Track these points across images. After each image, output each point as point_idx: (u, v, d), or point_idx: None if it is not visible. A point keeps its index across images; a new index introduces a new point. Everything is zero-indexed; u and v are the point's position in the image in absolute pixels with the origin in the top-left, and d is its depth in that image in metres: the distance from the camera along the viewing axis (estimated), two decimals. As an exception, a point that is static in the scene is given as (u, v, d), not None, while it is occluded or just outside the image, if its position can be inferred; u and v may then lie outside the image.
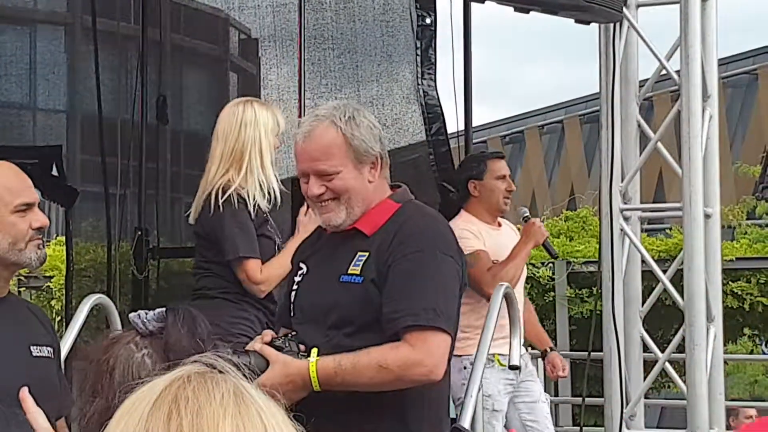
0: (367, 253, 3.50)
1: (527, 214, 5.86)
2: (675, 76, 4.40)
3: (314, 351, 3.43)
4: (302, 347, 3.49)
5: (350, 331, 3.48)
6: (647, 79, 4.74)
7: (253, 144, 4.90)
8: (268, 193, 4.87)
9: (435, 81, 7.38)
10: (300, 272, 3.71)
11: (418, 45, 7.36)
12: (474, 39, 7.35)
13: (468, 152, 7.42)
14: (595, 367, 5.27)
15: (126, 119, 7.38)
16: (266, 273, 4.76)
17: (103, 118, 7.22)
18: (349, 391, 3.43)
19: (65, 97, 8.00)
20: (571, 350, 10.94)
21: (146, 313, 2.23)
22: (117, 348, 2.22)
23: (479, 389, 3.86)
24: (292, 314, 3.70)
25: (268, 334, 3.52)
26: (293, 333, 3.55)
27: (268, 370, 3.41)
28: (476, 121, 9.03)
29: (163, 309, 2.24)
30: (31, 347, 3.47)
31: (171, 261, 7.69)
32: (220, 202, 4.78)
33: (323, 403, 3.39)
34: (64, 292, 8.03)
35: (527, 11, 4.31)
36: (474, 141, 8.08)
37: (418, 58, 7.35)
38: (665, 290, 4.31)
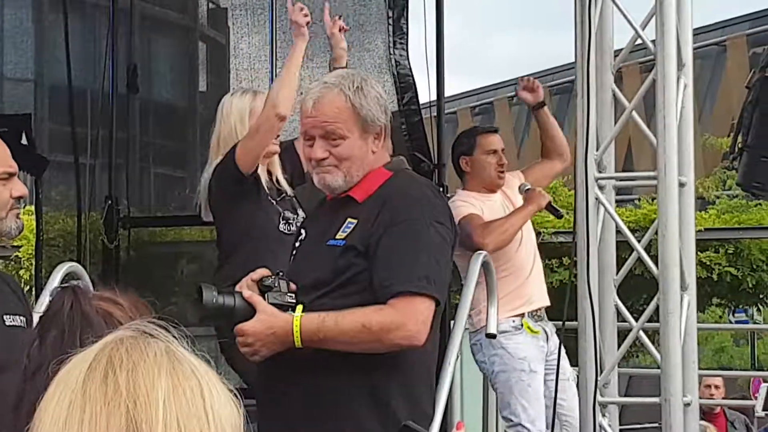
0: (355, 220, 3.54)
1: (528, 186, 5.83)
2: (650, 44, 4.40)
3: (299, 307, 3.47)
4: (292, 286, 3.52)
5: (323, 293, 3.52)
6: (621, 50, 4.74)
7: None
8: None
9: (407, 51, 7.36)
10: (300, 238, 3.77)
11: (390, 14, 7.34)
12: (446, 8, 7.32)
13: (440, 122, 7.42)
14: (567, 338, 5.28)
15: (95, 88, 7.34)
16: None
17: (73, 87, 7.18)
18: (315, 355, 3.46)
19: (34, 66, 7.94)
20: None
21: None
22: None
23: (457, 357, 3.86)
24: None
25: (259, 273, 3.55)
26: (282, 272, 3.58)
27: (254, 318, 3.45)
28: (449, 91, 9.01)
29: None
30: (4, 316, 3.44)
31: (141, 230, 7.67)
32: None
33: (289, 366, 3.44)
34: (32, 261, 8.00)
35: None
36: (445, 112, 8.06)
37: (390, 28, 7.33)
38: (638, 260, 4.32)
